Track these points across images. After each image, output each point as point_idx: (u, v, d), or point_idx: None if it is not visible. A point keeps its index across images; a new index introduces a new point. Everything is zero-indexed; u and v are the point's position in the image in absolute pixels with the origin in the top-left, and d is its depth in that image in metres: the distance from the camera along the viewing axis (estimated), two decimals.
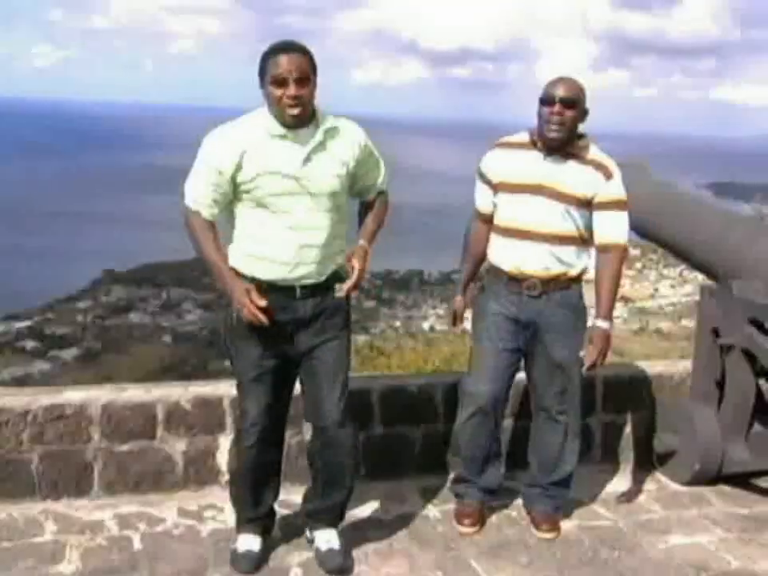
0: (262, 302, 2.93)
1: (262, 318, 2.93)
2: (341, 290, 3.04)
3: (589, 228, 3.42)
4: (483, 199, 3.58)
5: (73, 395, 3.74)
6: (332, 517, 3.34)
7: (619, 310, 39.56)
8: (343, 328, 3.19)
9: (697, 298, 4.38)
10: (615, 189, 3.37)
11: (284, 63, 2.86)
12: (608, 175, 3.36)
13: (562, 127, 3.29)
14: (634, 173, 4.41)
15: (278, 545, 3.41)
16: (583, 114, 3.36)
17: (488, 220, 3.57)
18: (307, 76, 2.90)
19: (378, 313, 44.63)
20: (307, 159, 2.97)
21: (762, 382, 4.11)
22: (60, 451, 3.68)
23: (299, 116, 2.92)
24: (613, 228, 3.38)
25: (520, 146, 3.46)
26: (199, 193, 3.02)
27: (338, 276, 3.12)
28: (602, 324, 3.38)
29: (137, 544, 3.39)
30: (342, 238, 3.14)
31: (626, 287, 43.69)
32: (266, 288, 3.01)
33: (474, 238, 3.64)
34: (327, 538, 3.29)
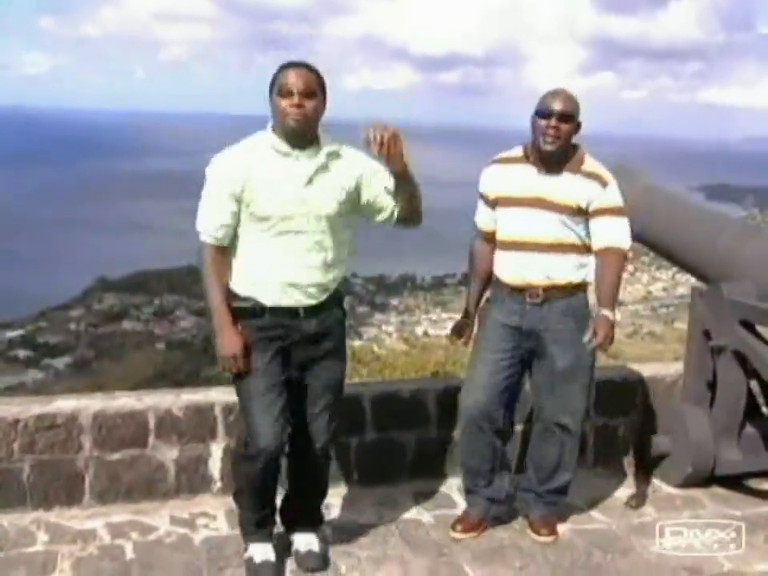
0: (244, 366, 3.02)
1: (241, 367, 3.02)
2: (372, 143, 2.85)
3: (588, 236, 3.41)
4: (483, 218, 3.59)
5: (64, 404, 3.73)
6: (312, 519, 3.39)
7: None
8: (340, 344, 3.23)
9: (689, 300, 4.38)
10: (612, 196, 3.38)
11: (292, 76, 2.92)
12: (604, 183, 3.37)
13: (557, 140, 3.31)
14: (624, 177, 4.41)
15: None
16: (578, 126, 3.38)
17: (490, 239, 3.57)
18: (313, 91, 2.93)
19: (372, 318, 44.60)
20: (309, 182, 2.98)
21: (753, 383, 4.12)
22: (51, 460, 3.66)
23: (299, 127, 2.92)
24: (612, 232, 3.36)
25: (515, 160, 3.48)
26: (211, 221, 3.01)
27: (338, 296, 3.16)
28: (606, 312, 3.30)
29: (129, 553, 3.38)
30: (343, 261, 3.14)
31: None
32: (269, 309, 3.02)
33: (478, 258, 3.64)
34: (307, 541, 3.34)
